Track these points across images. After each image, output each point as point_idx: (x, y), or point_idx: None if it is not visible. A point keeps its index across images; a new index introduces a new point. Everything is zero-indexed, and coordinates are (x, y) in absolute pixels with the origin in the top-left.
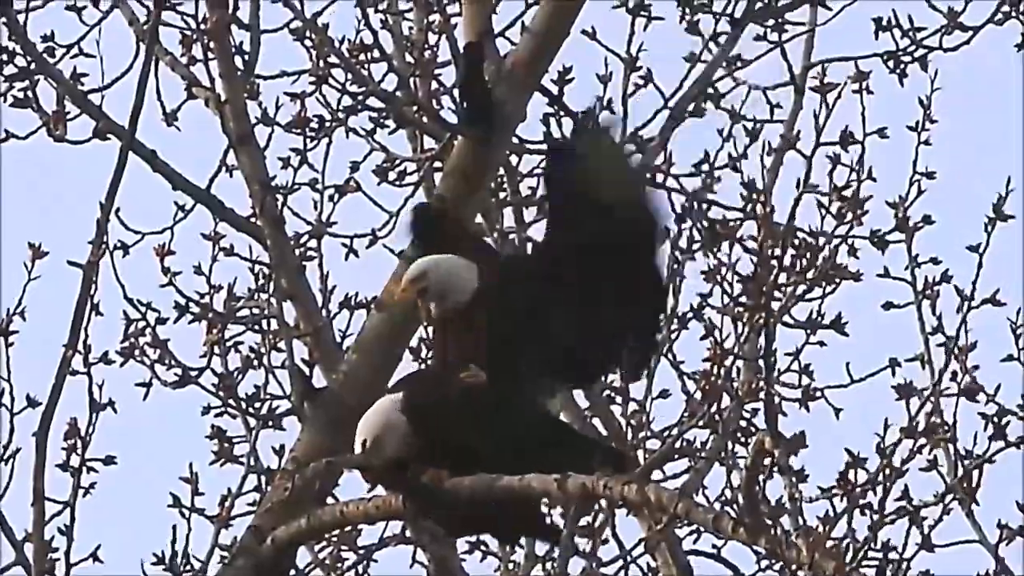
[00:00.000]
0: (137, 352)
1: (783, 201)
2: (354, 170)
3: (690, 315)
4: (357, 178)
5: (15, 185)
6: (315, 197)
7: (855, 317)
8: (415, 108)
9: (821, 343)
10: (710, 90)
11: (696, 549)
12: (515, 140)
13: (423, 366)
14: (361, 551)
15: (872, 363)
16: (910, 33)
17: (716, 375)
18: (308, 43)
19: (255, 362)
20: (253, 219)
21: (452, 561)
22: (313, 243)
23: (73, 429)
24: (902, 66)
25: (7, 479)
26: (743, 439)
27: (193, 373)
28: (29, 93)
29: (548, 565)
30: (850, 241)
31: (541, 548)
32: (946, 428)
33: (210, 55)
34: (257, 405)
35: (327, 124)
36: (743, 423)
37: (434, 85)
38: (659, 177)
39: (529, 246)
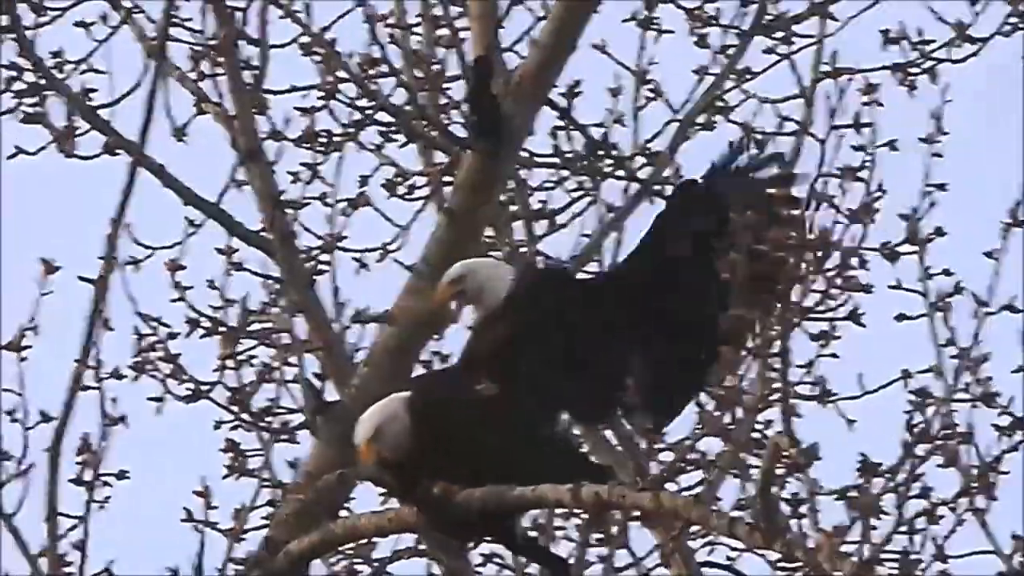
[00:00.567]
0: (149, 367)
1: None
2: (364, 184)
3: None
4: (367, 192)
5: (25, 201)
6: (325, 211)
7: (867, 329)
8: (424, 122)
9: (834, 355)
10: (719, 102)
11: (710, 561)
12: (524, 154)
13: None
14: (375, 564)
15: (885, 375)
16: (918, 45)
17: (730, 385)
18: (317, 58)
19: (268, 376)
20: (264, 234)
21: (466, 573)
22: (324, 257)
23: (86, 444)
24: (911, 78)
25: (21, 494)
26: (756, 450)
27: (205, 387)
28: (39, 109)
29: None
30: (860, 253)
31: None
32: (961, 434)
33: (219, 70)
34: (270, 419)
35: (336, 138)
36: (756, 434)
37: (443, 99)
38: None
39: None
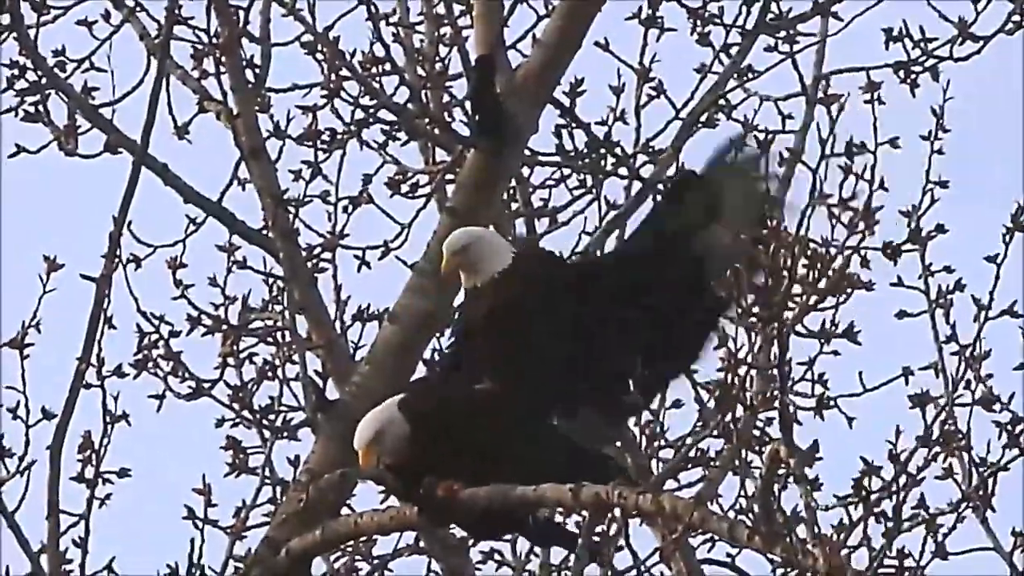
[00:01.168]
0: (151, 365)
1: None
2: (366, 182)
3: None
4: (369, 190)
5: (27, 199)
6: (327, 209)
7: (868, 327)
8: (427, 120)
9: (835, 352)
10: (721, 101)
11: (710, 558)
12: (527, 152)
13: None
14: (375, 561)
15: (886, 372)
16: (921, 43)
17: (730, 384)
18: (319, 56)
19: (269, 374)
20: (265, 232)
21: (466, 570)
22: (326, 255)
23: (87, 441)
24: (913, 76)
25: (23, 491)
26: (757, 448)
27: (207, 385)
28: (40, 107)
29: (563, 574)
30: (862, 252)
31: (556, 557)
32: (961, 436)
33: (221, 68)
34: (271, 417)
35: (339, 137)
36: (757, 432)
37: (446, 97)
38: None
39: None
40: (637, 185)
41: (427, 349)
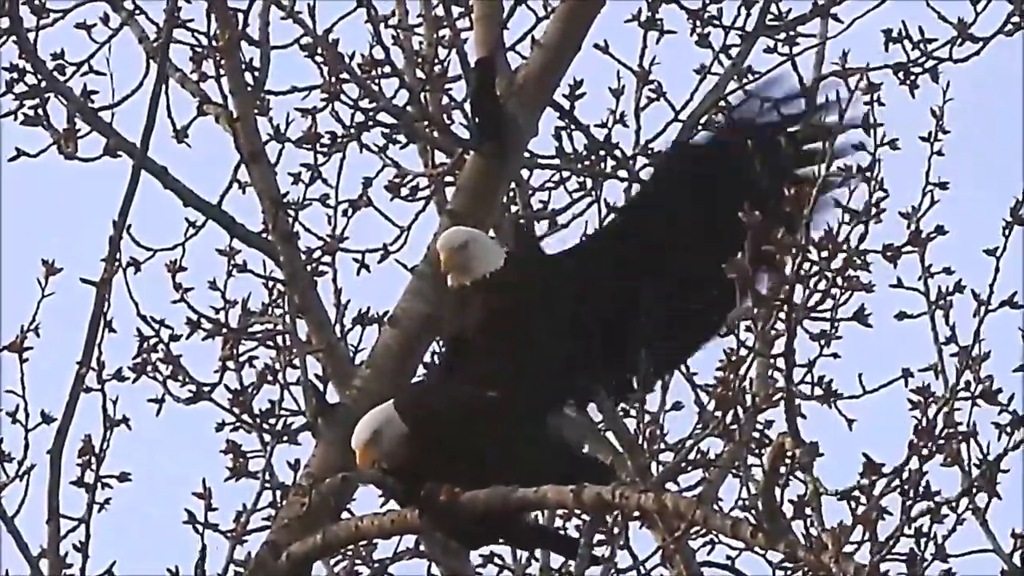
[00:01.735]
0: (150, 368)
1: None
2: (366, 185)
3: None
4: (369, 193)
5: (27, 203)
6: (327, 213)
7: (868, 328)
8: (426, 123)
9: (835, 355)
10: (721, 103)
11: (710, 561)
12: (526, 154)
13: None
14: (376, 565)
15: (885, 374)
16: (920, 45)
17: (730, 384)
18: (319, 59)
19: (269, 377)
20: (265, 235)
21: (467, 574)
22: (326, 258)
23: (87, 446)
24: (912, 77)
25: (22, 496)
26: (758, 449)
27: (207, 389)
28: (40, 111)
29: None
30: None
31: (556, 560)
32: (962, 433)
33: (221, 72)
34: (272, 421)
35: (339, 140)
36: (757, 433)
37: (445, 100)
38: None
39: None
40: (637, 187)
41: (427, 352)
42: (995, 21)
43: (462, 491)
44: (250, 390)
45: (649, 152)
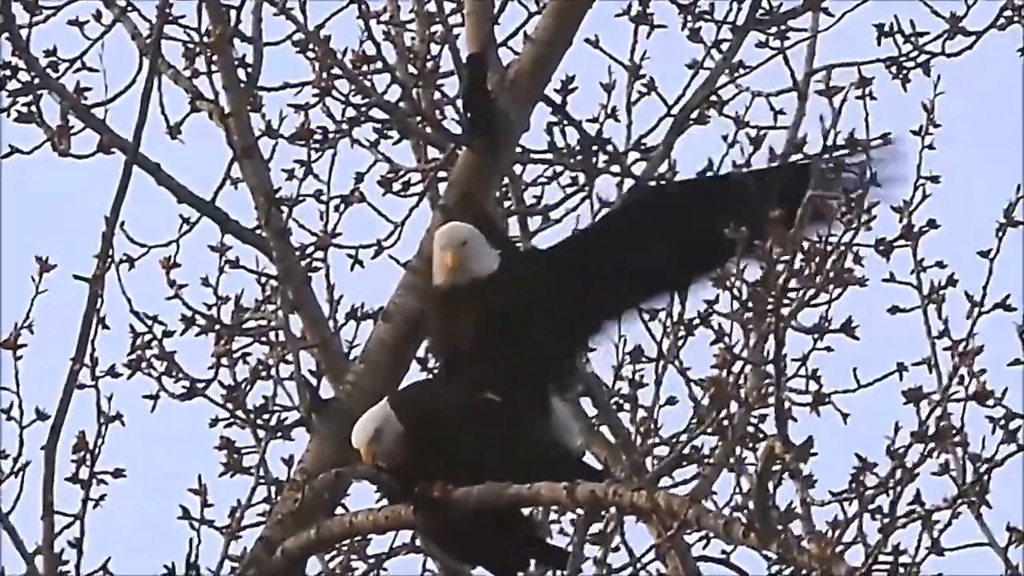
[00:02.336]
0: (144, 365)
1: None
2: (359, 181)
3: (697, 321)
4: (362, 189)
5: (20, 199)
6: (320, 208)
7: (861, 322)
8: (419, 119)
9: (828, 348)
10: (713, 97)
11: (705, 555)
12: (519, 150)
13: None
14: (371, 560)
15: (879, 368)
16: (912, 39)
17: (724, 380)
18: (311, 55)
19: (263, 373)
20: (258, 231)
21: (463, 571)
22: (319, 254)
23: (82, 442)
24: (905, 71)
25: (17, 492)
26: (752, 445)
27: (201, 385)
28: (33, 108)
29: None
30: (854, 248)
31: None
32: (955, 432)
33: (213, 68)
34: (266, 416)
35: (331, 135)
36: (751, 429)
37: (437, 95)
38: None
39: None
40: (629, 182)
41: (421, 348)
42: (987, 15)
43: (455, 488)
44: (244, 386)
45: (641, 147)
